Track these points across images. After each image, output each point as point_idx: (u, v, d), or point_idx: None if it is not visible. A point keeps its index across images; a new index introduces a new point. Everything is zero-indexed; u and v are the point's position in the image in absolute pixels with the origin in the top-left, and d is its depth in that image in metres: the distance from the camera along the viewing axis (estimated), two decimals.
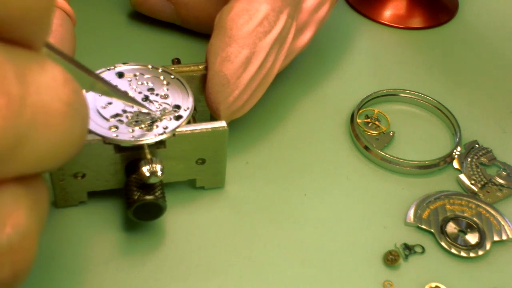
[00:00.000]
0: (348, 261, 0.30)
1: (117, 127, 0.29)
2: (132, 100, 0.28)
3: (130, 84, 0.31)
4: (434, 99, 0.39)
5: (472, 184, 0.34)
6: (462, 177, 0.35)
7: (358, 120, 0.37)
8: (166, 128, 0.29)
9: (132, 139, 0.28)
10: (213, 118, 0.32)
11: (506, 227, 0.32)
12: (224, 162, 0.31)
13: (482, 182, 0.35)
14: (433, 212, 0.33)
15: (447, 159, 0.36)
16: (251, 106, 0.33)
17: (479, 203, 0.33)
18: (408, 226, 0.32)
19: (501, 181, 0.35)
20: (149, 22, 0.43)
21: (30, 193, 0.18)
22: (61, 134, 0.18)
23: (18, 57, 0.16)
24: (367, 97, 0.38)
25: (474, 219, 0.32)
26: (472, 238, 0.32)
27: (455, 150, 0.36)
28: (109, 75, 0.31)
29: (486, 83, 0.42)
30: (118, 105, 0.30)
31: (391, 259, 0.30)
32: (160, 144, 0.29)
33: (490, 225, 0.32)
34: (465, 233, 0.32)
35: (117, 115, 0.29)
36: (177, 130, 0.29)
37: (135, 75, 0.31)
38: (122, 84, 0.31)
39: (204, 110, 0.33)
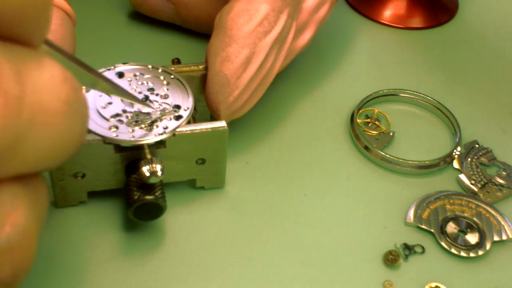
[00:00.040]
0: (348, 261, 0.30)
1: (117, 127, 0.29)
2: (134, 98, 0.28)
3: (130, 84, 0.31)
4: (434, 99, 0.39)
5: (472, 184, 0.34)
6: (462, 177, 0.35)
7: (358, 120, 0.37)
8: (166, 128, 0.29)
9: (132, 139, 0.28)
10: (213, 118, 0.32)
11: (506, 227, 0.32)
12: (224, 162, 0.31)
13: (482, 182, 0.35)
14: (433, 212, 0.32)
15: (447, 159, 0.36)
16: (251, 106, 0.33)
17: (479, 203, 0.33)
18: (408, 226, 0.32)
19: (501, 181, 0.35)
20: (149, 22, 0.43)
21: (29, 192, 0.18)
22: (60, 133, 0.18)
23: (16, 55, 0.16)
24: (367, 97, 0.38)
25: (474, 219, 0.32)
26: (472, 238, 0.32)
27: (455, 150, 0.36)
28: (109, 75, 0.31)
29: (486, 83, 0.42)
30: (118, 105, 0.30)
31: (391, 259, 0.30)
32: (160, 144, 0.29)
33: (490, 225, 0.32)
34: (465, 233, 0.32)
35: (117, 115, 0.29)
36: (177, 130, 0.29)
37: (135, 75, 0.31)
38: (122, 84, 0.31)
39: (204, 110, 0.33)
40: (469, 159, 0.36)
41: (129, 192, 0.29)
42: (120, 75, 0.31)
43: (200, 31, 0.41)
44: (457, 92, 0.41)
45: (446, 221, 0.32)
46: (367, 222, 0.32)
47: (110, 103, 0.30)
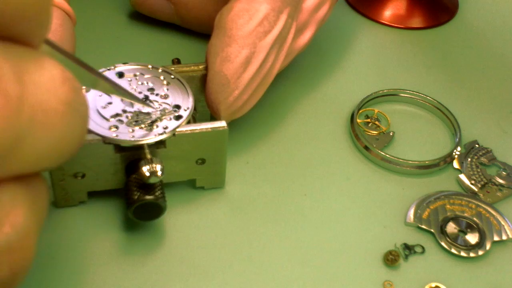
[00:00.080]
0: (348, 261, 0.30)
1: (117, 127, 0.29)
2: (134, 98, 0.28)
3: (130, 84, 0.31)
4: (434, 99, 0.39)
5: (472, 184, 0.34)
6: (462, 177, 0.35)
7: (358, 120, 0.37)
8: (166, 128, 0.29)
9: (132, 139, 0.28)
10: (213, 118, 0.32)
11: (506, 227, 0.32)
12: (224, 162, 0.31)
13: (482, 182, 0.35)
14: (433, 212, 0.32)
15: (447, 159, 0.36)
16: (251, 106, 0.33)
17: (479, 203, 0.33)
18: (408, 226, 0.32)
19: (501, 181, 0.35)
20: (149, 22, 0.43)
21: (29, 192, 0.18)
22: (60, 133, 0.18)
23: (16, 55, 0.16)
24: (367, 97, 0.38)
25: (474, 219, 0.32)
26: (472, 238, 0.32)
27: (455, 150, 0.36)
28: (109, 75, 0.31)
29: (486, 83, 0.42)
30: (118, 105, 0.30)
31: (391, 259, 0.30)
32: (160, 144, 0.29)
33: (490, 225, 0.32)
34: (465, 233, 0.32)
35: (117, 115, 0.29)
36: (177, 130, 0.29)
37: (135, 75, 0.31)
38: (122, 84, 0.31)
39: (204, 110, 0.33)
40: (469, 159, 0.36)
41: (129, 192, 0.29)
42: (120, 75, 0.31)
43: (200, 31, 0.41)
44: (457, 92, 0.41)
45: (446, 221, 0.32)
46: (367, 222, 0.32)
47: (110, 103, 0.30)
